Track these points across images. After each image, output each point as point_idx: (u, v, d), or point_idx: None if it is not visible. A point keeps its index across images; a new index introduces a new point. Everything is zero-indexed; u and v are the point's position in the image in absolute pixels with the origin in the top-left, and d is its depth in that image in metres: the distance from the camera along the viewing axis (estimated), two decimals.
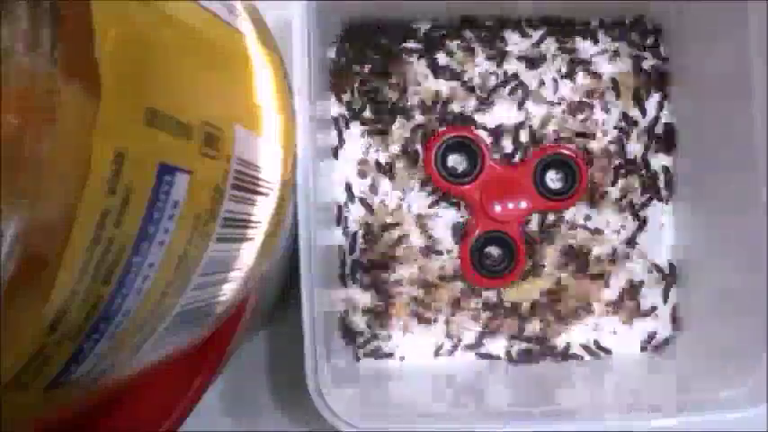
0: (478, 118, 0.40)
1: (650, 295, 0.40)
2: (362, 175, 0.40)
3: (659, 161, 0.40)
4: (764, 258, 0.33)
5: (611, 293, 0.40)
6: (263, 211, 0.23)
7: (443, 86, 0.40)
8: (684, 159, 0.40)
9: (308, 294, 0.30)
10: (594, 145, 0.40)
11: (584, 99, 0.40)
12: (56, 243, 0.15)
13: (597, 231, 0.40)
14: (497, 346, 0.39)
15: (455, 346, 0.39)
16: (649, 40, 0.41)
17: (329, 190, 0.39)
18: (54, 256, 0.15)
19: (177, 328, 0.21)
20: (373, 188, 0.39)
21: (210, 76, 0.20)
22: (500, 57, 0.40)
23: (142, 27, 0.17)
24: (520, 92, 0.40)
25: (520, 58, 0.40)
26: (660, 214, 0.40)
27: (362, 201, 0.39)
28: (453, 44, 0.40)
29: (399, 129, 0.40)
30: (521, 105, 0.40)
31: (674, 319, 0.40)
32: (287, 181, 0.25)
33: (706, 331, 0.38)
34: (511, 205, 0.39)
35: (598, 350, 0.40)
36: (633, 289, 0.40)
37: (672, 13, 0.40)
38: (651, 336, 0.40)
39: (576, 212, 0.40)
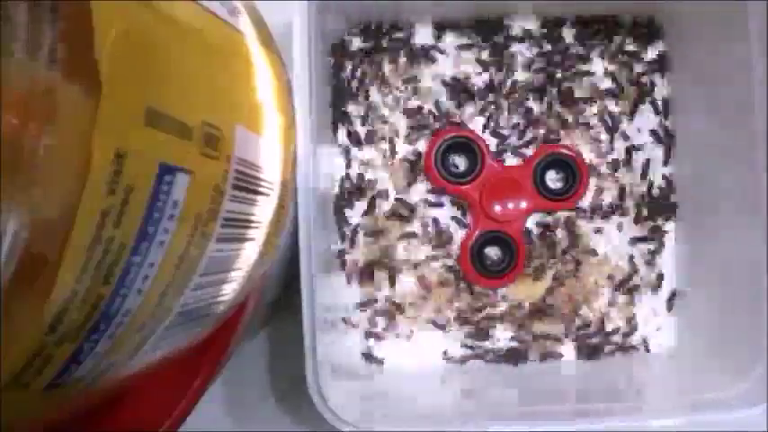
0: (479, 118, 0.40)
1: (651, 295, 0.40)
2: (362, 174, 0.40)
3: (660, 163, 0.40)
4: (765, 258, 0.33)
5: (611, 293, 0.40)
6: (263, 210, 0.23)
7: (443, 87, 0.40)
8: (685, 163, 0.40)
9: (307, 294, 0.30)
10: (595, 145, 0.40)
11: (583, 99, 0.40)
12: (56, 243, 0.15)
13: (598, 231, 0.40)
14: (497, 346, 0.39)
15: (455, 346, 0.39)
16: (649, 40, 0.41)
17: (329, 189, 0.39)
18: (54, 256, 0.15)
19: (177, 328, 0.21)
20: (373, 187, 0.39)
21: (211, 76, 0.20)
22: (500, 58, 0.40)
23: (142, 27, 0.17)
24: (520, 92, 0.40)
25: (520, 59, 0.40)
26: (660, 215, 0.40)
27: (362, 200, 0.39)
28: (454, 45, 0.40)
29: (399, 129, 0.40)
30: (521, 106, 0.40)
31: (675, 319, 0.40)
32: (287, 181, 0.25)
33: (706, 331, 0.38)
34: (511, 205, 0.39)
35: (598, 350, 0.40)
36: (634, 289, 0.40)
37: (672, 13, 0.40)
38: (652, 336, 0.40)
39: (576, 212, 0.40)
